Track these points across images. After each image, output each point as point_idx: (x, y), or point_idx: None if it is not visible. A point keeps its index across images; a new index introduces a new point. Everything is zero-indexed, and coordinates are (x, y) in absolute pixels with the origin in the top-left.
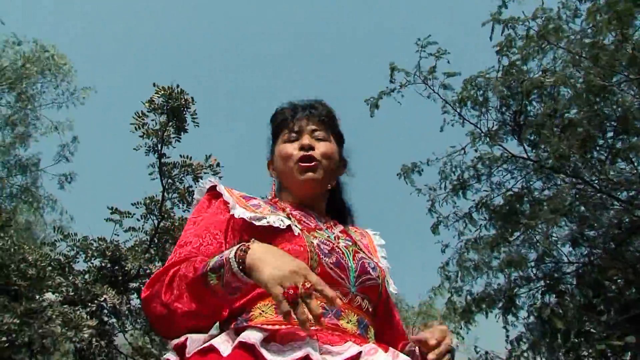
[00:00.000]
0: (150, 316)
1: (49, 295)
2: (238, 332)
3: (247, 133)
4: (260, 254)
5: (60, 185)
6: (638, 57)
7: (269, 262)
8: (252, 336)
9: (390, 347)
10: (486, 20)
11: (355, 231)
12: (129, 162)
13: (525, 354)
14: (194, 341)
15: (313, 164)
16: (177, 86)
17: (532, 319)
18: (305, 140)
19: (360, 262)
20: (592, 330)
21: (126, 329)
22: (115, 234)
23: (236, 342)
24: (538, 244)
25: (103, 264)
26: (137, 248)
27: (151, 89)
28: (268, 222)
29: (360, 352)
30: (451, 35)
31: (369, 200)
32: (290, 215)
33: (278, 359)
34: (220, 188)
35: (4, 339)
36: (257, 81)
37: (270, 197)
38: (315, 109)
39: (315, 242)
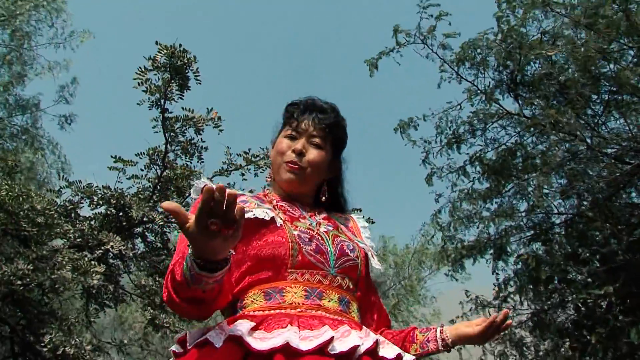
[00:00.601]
0: (174, 311)
1: (57, 242)
2: (230, 322)
3: (249, 88)
4: (191, 240)
5: (60, 126)
6: (636, 24)
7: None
8: (240, 328)
9: (364, 327)
10: None
11: (340, 217)
12: (132, 114)
13: (512, 296)
14: (192, 336)
15: (297, 168)
16: (180, 45)
17: (520, 265)
18: (299, 145)
19: (339, 245)
20: (575, 279)
21: (130, 271)
22: (118, 181)
23: (226, 335)
24: (529, 196)
25: (108, 212)
26: (140, 195)
27: (154, 43)
28: (254, 215)
29: (331, 337)
30: None
31: (370, 154)
32: (277, 207)
33: (261, 345)
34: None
35: (18, 282)
36: (260, 38)
37: (262, 193)
38: (323, 114)
39: (296, 232)
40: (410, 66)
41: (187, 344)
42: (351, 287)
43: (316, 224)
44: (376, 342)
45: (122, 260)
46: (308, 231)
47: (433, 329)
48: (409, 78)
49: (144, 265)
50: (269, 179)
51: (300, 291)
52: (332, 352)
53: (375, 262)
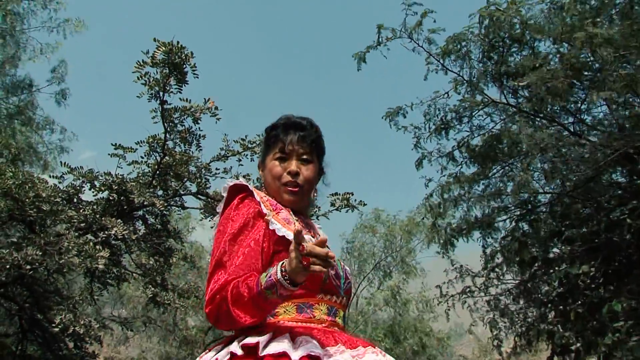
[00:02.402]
0: (216, 325)
1: (61, 227)
2: (292, 335)
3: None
4: (290, 268)
5: (57, 102)
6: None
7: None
8: (313, 347)
9: (376, 347)
10: None
11: (308, 223)
12: (131, 104)
13: (498, 268)
14: (263, 343)
15: (296, 190)
16: (177, 42)
17: (505, 242)
18: (293, 166)
19: (344, 270)
20: (558, 257)
21: (132, 251)
22: (119, 167)
23: (305, 352)
24: (515, 178)
25: (110, 197)
26: (140, 180)
27: (151, 28)
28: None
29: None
30: None
31: (366, 134)
32: (298, 223)
33: None
34: (256, 196)
35: (28, 267)
36: (255, 25)
37: (271, 201)
38: (304, 131)
39: None
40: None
41: (259, 352)
42: (346, 303)
43: None
44: None
45: (125, 243)
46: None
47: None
48: (396, 72)
49: (145, 247)
50: (264, 192)
51: (324, 308)
52: None
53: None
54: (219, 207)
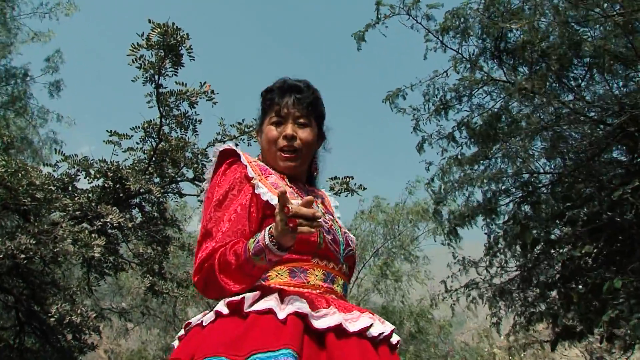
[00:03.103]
0: (205, 294)
1: (55, 215)
2: (281, 294)
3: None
4: (276, 232)
5: (50, 93)
6: None
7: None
8: (302, 305)
9: (375, 314)
10: None
11: (316, 193)
12: (129, 97)
13: (499, 254)
14: (248, 300)
15: (294, 155)
16: (173, 24)
17: (507, 226)
18: (289, 129)
19: (345, 236)
20: (560, 238)
21: (129, 240)
22: (114, 154)
23: (291, 311)
24: (516, 156)
25: (106, 184)
26: (136, 167)
27: (144, 14)
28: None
29: (371, 323)
30: None
31: (365, 120)
32: (292, 189)
33: (319, 323)
34: (243, 160)
35: (22, 256)
36: (252, 9)
37: (262, 166)
38: (301, 93)
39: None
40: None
41: (244, 308)
42: (348, 272)
43: (323, 212)
44: (392, 331)
45: (121, 231)
46: (326, 220)
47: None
48: (397, 50)
49: (142, 235)
50: (260, 158)
51: (320, 274)
52: (369, 336)
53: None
54: (208, 173)
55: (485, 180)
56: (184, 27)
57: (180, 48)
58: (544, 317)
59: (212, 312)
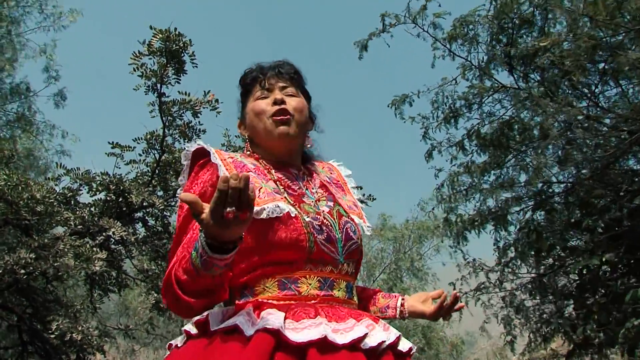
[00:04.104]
0: (180, 316)
1: (58, 229)
2: (255, 308)
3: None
4: (206, 228)
5: (55, 104)
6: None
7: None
8: (274, 319)
9: (380, 320)
10: None
11: (323, 167)
12: (128, 100)
13: (513, 262)
14: (215, 319)
15: (287, 117)
16: (175, 29)
17: (521, 235)
18: (278, 95)
19: (344, 230)
20: (577, 247)
21: (133, 255)
22: (117, 167)
23: (260, 326)
24: (528, 166)
25: (108, 198)
26: (139, 180)
27: (147, 20)
28: (267, 215)
29: (365, 333)
30: None
31: (371, 135)
32: (278, 182)
33: (297, 337)
34: (215, 158)
35: (22, 271)
36: (257, 16)
37: (250, 157)
38: (283, 68)
39: (308, 219)
40: (404, 48)
41: (210, 327)
42: (353, 270)
43: (316, 200)
44: (399, 338)
45: (124, 246)
46: (317, 217)
47: (395, 297)
48: (402, 59)
49: (146, 250)
50: (248, 150)
51: (314, 282)
52: (364, 348)
53: (366, 227)
54: (182, 178)
55: (496, 191)
56: (187, 33)
57: (182, 54)
58: (561, 328)
59: (183, 333)
